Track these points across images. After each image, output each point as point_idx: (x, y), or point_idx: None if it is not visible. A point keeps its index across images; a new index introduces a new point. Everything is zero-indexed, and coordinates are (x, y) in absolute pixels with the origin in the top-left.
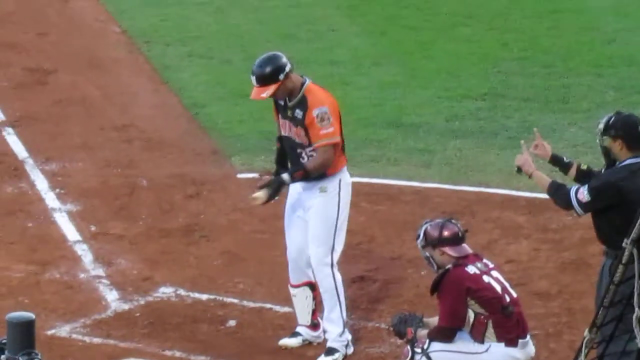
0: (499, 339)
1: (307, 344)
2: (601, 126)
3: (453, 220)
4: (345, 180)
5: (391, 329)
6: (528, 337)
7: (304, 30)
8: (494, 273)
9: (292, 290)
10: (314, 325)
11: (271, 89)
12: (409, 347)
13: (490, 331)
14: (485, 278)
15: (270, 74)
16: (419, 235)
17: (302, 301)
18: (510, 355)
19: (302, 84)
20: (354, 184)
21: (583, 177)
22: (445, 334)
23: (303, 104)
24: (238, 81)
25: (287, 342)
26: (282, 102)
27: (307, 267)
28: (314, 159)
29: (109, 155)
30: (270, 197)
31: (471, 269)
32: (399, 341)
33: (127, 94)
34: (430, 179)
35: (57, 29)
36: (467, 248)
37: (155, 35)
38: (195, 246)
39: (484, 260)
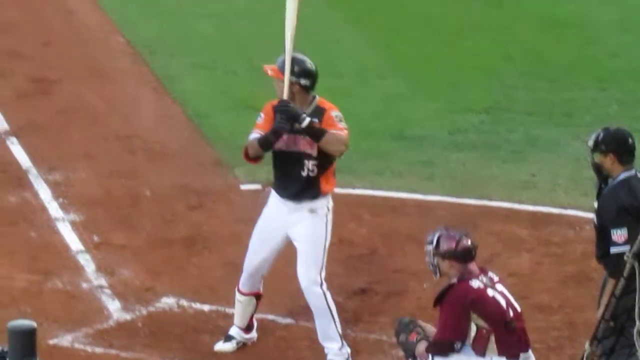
0: (501, 353)
1: (242, 345)
2: (591, 143)
3: (468, 235)
4: (331, 202)
5: (397, 339)
6: (530, 351)
7: (308, 41)
8: (499, 287)
9: (239, 297)
10: (248, 328)
11: (277, 76)
12: None
13: (492, 346)
14: (490, 292)
15: (284, 67)
16: (431, 241)
17: (246, 307)
18: None
19: (314, 97)
20: (357, 196)
21: None
22: (441, 347)
23: (319, 112)
24: (242, 92)
25: (222, 347)
26: (285, 118)
27: (261, 280)
28: (336, 132)
29: (112, 165)
30: (282, 126)
31: (475, 283)
32: (401, 354)
33: (130, 104)
34: (433, 192)
35: (61, 38)
36: (475, 267)
37: (159, 45)
38: (198, 257)
39: (490, 274)
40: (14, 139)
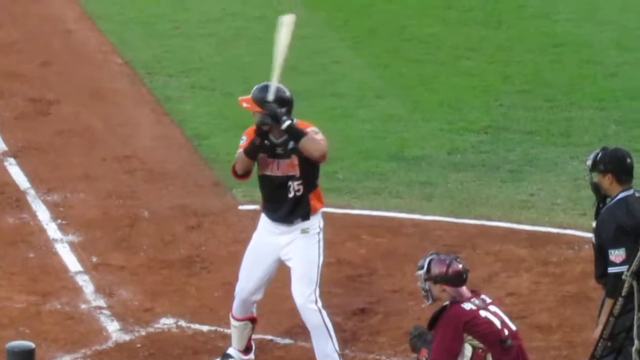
0: None
1: None
2: (589, 163)
3: (458, 259)
4: (321, 221)
5: (409, 338)
6: None
7: (307, 62)
8: (492, 307)
9: (234, 322)
10: (246, 350)
11: (253, 108)
12: None
13: None
14: (483, 313)
15: (258, 98)
16: (422, 266)
17: (242, 332)
18: None
19: (292, 120)
20: (356, 216)
21: None
22: None
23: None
24: (240, 113)
25: None
26: (267, 143)
27: (253, 304)
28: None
29: (111, 186)
30: (263, 120)
31: (467, 306)
32: None
33: (129, 125)
34: (432, 212)
35: (60, 59)
36: (466, 291)
37: (158, 66)
38: (196, 277)
39: (482, 296)
40: (12, 160)
